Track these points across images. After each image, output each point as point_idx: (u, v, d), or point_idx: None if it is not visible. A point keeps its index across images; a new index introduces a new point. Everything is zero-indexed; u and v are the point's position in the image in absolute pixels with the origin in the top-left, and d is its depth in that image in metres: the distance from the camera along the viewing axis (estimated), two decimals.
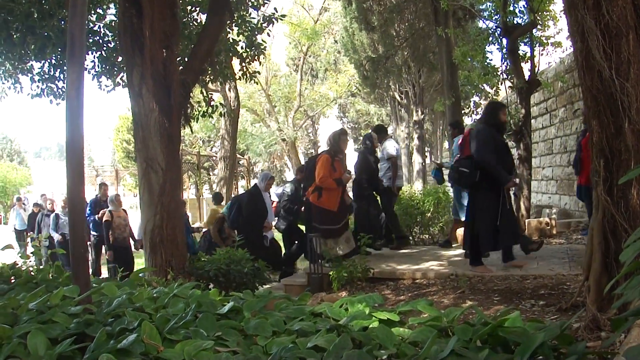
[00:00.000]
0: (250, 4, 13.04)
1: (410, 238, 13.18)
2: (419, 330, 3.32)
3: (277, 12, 13.16)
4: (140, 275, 6.00)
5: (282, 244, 12.33)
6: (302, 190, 10.85)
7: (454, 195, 11.84)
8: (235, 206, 11.37)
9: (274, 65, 40.82)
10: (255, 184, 11.84)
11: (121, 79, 12.33)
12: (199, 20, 12.74)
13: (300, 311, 3.89)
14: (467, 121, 17.00)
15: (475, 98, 15.93)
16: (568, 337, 2.91)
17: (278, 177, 45.66)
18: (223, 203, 15.96)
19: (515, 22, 13.68)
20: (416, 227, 13.33)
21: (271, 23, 13.07)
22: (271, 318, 3.64)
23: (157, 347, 3.02)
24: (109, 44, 12.00)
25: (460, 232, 12.48)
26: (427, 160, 32.49)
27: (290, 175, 47.45)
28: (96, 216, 13.52)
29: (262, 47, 13.40)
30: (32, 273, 5.59)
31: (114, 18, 11.63)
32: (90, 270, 10.98)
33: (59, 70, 11.80)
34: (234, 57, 13.43)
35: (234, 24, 12.38)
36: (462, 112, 15.93)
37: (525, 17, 13.77)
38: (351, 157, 23.53)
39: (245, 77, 13.66)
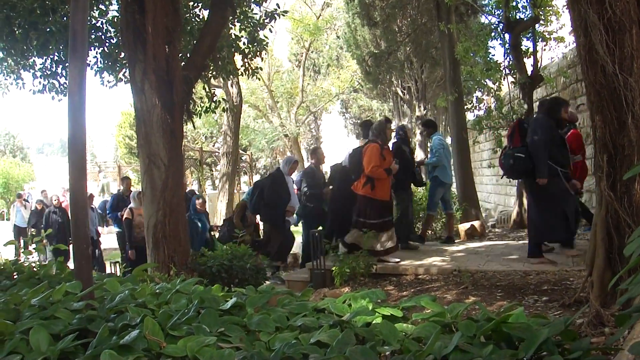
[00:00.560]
0: (253, 0, 13.02)
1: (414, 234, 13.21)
2: (422, 326, 3.31)
3: (279, 7, 13.16)
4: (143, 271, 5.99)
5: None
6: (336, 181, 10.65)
7: (429, 190, 11.98)
8: (257, 191, 11.10)
9: (276, 61, 40.80)
10: (278, 167, 11.58)
11: (123, 74, 12.34)
12: (201, 16, 12.73)
13: (303, 307, 3.88)
14: (470, 116, 16.99)
15: (478, 93, 15.89)
16: (572, 333, 2.90)
17: None
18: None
19: (517, 17, 13.67)
20: (419, 223, 13.33)
21: (273, 19, 13.05)
22: (274, 314, 3.63)
23: (160, 343, 3.01)
24: (112, 40, 12.00)
25: (462, 227, 12.49)
26: (430, 156, 32.45)
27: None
28: (119, 213, 13.15)
29: (265, 42, 13.39)
30: (34, 269, 5.59)
31: (116, 14, 11.62)
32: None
33: (61, 66, 11.81)
34: (236, 53, 13.42)
35: (236, 20, 12.38)
36: (465, 107, 15.90)
37: (527, 12, 13.78)
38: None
39: (247, 72, 13.66)
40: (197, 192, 13.59)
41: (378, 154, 9.14)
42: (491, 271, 8.07)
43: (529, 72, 13.39)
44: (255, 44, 13.12)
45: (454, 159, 14.78)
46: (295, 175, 12.13)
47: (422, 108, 26.72)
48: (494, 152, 15.60)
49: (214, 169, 40.87)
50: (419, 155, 22.70)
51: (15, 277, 5.35)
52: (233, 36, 13.01)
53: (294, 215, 11.81)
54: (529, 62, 13.69)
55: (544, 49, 14.19)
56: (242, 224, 11.65)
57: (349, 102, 48.40)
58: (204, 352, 2.89)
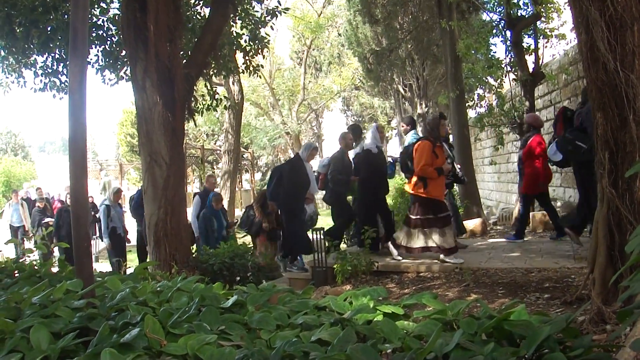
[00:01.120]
0: None
1: None
2: (423, 323, 3.31)
3: (280, 5, 13.20)
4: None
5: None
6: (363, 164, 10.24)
7: None
8: (276, 177, 10.65)
9: (277, 58, 40.86)
10: (298, 153, 11.15)
11: (125, 72, 12.35)
12: (202, 14, 12.74)
13: (304, 305, 3.88)
14: (471, 114, 16.98)
15: (479, 91, 15.85)
16: (573, 331, 2.90)
17: None
18: None
19: (519, 14, 13.65)
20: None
21: (274, 16, 13.06)
22: (275, 312, 3.63)
23: (160, 341, 3.01)
24: (113, 38, 12.01)
25: (467, 223, 12.48)
26: None
27: None
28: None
29: (266, 40, 13.40)
30: (35, 267, 5.59)
31: (117, 12, 11.62)
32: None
33: (62, 64, 11.82)
34: (237, 51, 13.43)
35: (237, 18, 12.39)
36: (466, 105, 15.89)
37: (529, 9, 13.75)
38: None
39: (248, 70, 13.67)
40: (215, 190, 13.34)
41: (429, 151, 8.65)
42: (493, 269, 8.06)
43: (531, 69, 13.37)
44: (256, 41, 13.13)
45: (456, 156, 14.77)
46: (318, 160, 11.85)
47: (423, 105, 26.72)
48: (495, 150, 15.57)
49: (215, 167, 40.82)
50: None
51: (16, 275, 5.35)
52: (234, 34, 13.02)
53: (313, 203, 11.59)
54: (530, 59, 13.67)
55: (546, 46, 14.17)
56: (263, 212, 11.37)
57: (351, 100, 48.46)
58: (204, 350, 2.89)
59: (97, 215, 14.73)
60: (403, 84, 28.08)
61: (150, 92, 8.66)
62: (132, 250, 14.60)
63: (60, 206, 18.02)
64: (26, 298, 3.84)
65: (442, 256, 8.72)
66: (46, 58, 11.85)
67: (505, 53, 14.10)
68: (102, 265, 15.24)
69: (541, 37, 13.76)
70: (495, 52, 14.82)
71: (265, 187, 12.08)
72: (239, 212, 24.18)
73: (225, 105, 14.95)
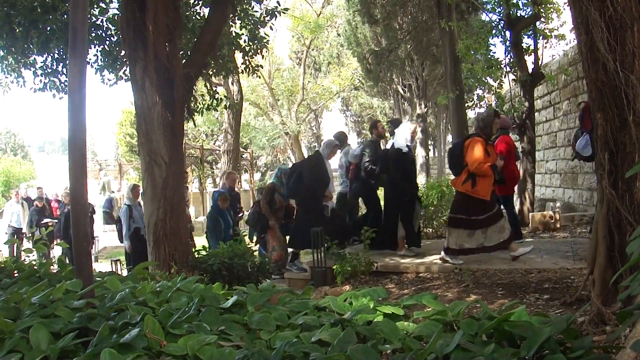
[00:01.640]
0: None
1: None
2: (423, 324, 3.31)
3: (279, 5, 13.16)
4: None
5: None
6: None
7: None
8: (295, 174, 10.41)
9: (277, 58, 40.82)
10: (317, 150, 10.95)
11: (124, 72, 12.33)
12: (201, 14, 12.72)
13: (304, 305, 3.87)
14: (470, 114, 16.99)
15: (479, 91, 15.88)
16: (574, 332, 2.89)
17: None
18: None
19: (518, 14, 13.67)
20: (420, 221, 13.32)
21: (274, 16, 13.04)
22: (275, 312, 3.62)
23: (160, 341, 3.00)
24: (112, 38, 11.99)
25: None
26: (431, 154, 32.47)
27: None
28: None
29: (265, 40, 13.39)
30: (35, 267, 5.58)
31: (116, 12, 11.60)
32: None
33: (61, 64, 11.80)
34: (236, 51, 13.42)
35: (236, 18, 12.37)
36: (466, 105, 15.90)
37: (528, 10, 13.77)
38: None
39: (248, 70, 13.66)
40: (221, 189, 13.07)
41: (483, 149, 8.45)
42: (492, 269, 8.06)
43: (530, 70, 13.39)
44: (255, 41, 13.12)
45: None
46: (352, 150, 11.53)
47: (422, 106, 26.74)
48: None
49: (214, 167, 40.80)
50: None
51: (15, 275, 5.34)
52: (234, 34, 13.01)
53: (332, 201, 11.41)
54: (529, 60, 13.69)
55: (545, 47, 14.19)
56: (270, 208, 11.21)
57: (350, 100, 48.49)
58: (204, 350, 2.89)
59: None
60: (402, 84, 28.10)
61: (149, 92, 8.65)
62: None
63: (57, 206, 17.93)
64: (25, 298, 3.83)
65: (443, 254, 8.78)
66: (46, 58, 11.84)
67: (505, 53, 14.12)
68: (102, 266, 15.21)
69: (541, 37, 13.78)
70: (494, 53, 14.87)
71: (270, 182, 11.85)
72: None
73: (224, 105, 14.93)
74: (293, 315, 3.68)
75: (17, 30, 10.70)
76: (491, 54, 14.70)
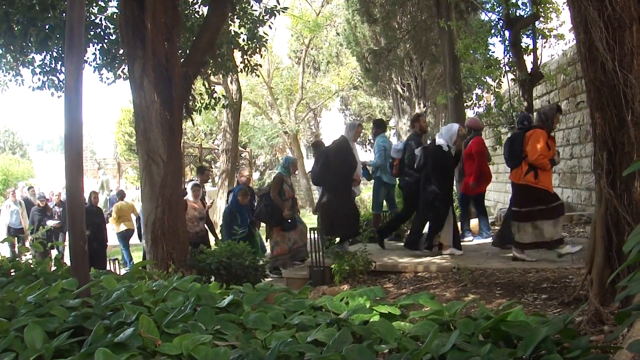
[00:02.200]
0: None
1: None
2: (420, 324, 3.30)
3: (278, 4, 13.15)
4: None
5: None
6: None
7: (373, 190, 11.97)
8: (322, 159, 10.11)
9: (276, 57, 40.73)
10: (342, 134, 10.52)
11: (122, 71, 12.32)
12: (200, 13, 12.72)
13: (301, 305, 3.87)
14: (469, 114, 16.98)
15: (478, 91, 15.84)
16: (571, 332, 2.89)
17: None
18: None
19: (517, 14, 13.65)
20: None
21: (273, 15, 13.03)
22: (271, 312, 3.62)
23: (155, 341, 3.00)
24: (111, 37, 11.97)
25: (475, 222, 12.45)
26: None
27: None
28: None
29: (264, 39, 13.39)
30: (31, 266, 5.57)
31: (115, 10, 11.59)
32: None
33: (60, 62, 11.77)
34: (235, 50, 13.41)
35: (235, 16, 12.36)
36: (465, 104, 15.88)
37: (527, 9, 13.74)
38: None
39: (247, 69, 13.66)
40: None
41: (544, 141, 8.29)
42: (490, 269, 8.05)
43: (529, 70, 13.37)
44: (254, 40, 13.12)
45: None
46: (395, 144, 11.25)
47: (421, 105, 26.69)
48: (493, 150, 15.57)
49: (213, 166, 40.81)
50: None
51: (12, 274, 5.33)
52: (232, 33, 13.01)
53: (360, 186, 11.16)
54: (528, 60, 13.67)
55: (544, 46, 14.16)
56: (280, 198, 10.96)
57: (349, 99, 48.43)
58: (199, 350, 2.88)
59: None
60: (401, 84, 28.03)
61: (148, 90, 8.64)
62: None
63: (43, 205, 17.61)
64: (21, 297, 3.82)
65: (514, 252, 8.61)
66: (44, 56, 11.82)
67: (504, 53, 14.09)
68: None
69: (540, 37, 13.76)
70: (493, 52, 14.83)
71: (278, 173, 11.60)
72: None
73: (223, 104, 14.90)
74: (289, 314, 3.67)
75: (16, 28, 10.68)
76: (490, 53, 14.66)
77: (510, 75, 14.07)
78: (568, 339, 2.81)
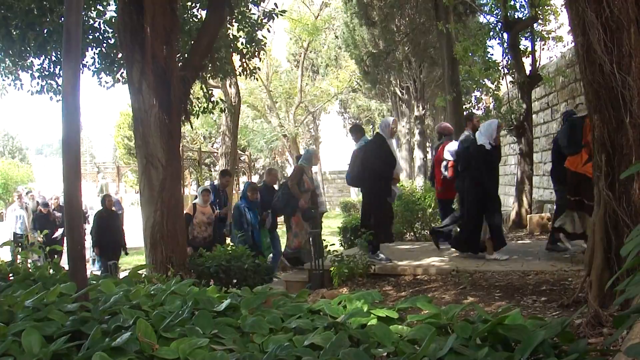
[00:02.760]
0: (251, 0, 13.01)
1: (412, 234, 13.25)
2: (417, 327, 3.29)
3: (277, 7, 13.15)
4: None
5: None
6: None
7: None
8: (358, 159, 9.75)
9: (274, 61, 40.75)
10: (377, 132, 10.05)
11: (121, 75, 12.32)
12: (199, 16, 12.72)
13: (298, 308, 3.86)
14: None
15: (477, 93, 15.88)
16: (569, 335, 2.88)
17: (280, 173, 45.58)
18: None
19: (516, 16, 13.67)
20: (417, 223, 13.32)
21: (271, 19, 13.04)
22: (268, 315, 3.61)
23: (152, 345, 2.99)
24: (109, 40, 11.97)
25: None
26: (429, 156, 32.46)
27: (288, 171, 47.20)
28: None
29: (263, 43, 13.39)
30: (30, 270, 5.56)
31: (114, 14, 11.59)
32: None
33: (59, 66, 11.77)
34: (234, 53, 13.41)
35: (234, 20, 12.36)
36: (464, 107, 15.89)
37: (526, 12, 13.79)
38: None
39: (245, 73, 13.64)
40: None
41: None
42: (490, 271, 8.05)
43: (528, 72, 13.40)
44: (253, 44, 13.11)
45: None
46: (450, 145, 10.86)
47: (420, 108, 26.73)
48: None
49: (212, 170, 40.80)
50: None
51: (10, 278, 5.32)
52: (231, 36, 13.01)
53: (399, 185, 10.77)
54: (527, 62, 13.71)
55: (543, 49, 14.20)
56: (299, 190, 10.80)
57: (348, 102, 48.43)
58: (196, 354, 2.88)
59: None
60: (400, 87, 28.06)
61: (146, 94, 8.64)
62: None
63: (45, 211, 17.16)
64: (19, 301, 3.82)
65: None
66: (43, 60, 11.83)
67: (502, 55, 14.12)
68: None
69: (538, 39, 13.80)
70: (492, 55, 14.79)
71: (299, 164, 11.41)
72: None
73: (221, 107, 14.90)
74: (287, 318, 3.67)
75: (14, 32, 10.68)
76: (489, 56, 14.68)
77: (509, 78, 14.10)
78: (566, 342, 2.80)
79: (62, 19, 10.26)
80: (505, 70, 14.08)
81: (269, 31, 13.99)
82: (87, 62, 12.07)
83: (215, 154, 33.96)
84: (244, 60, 13.30)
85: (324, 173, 46.17)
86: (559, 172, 9.01)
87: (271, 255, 11.48)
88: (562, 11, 13.58)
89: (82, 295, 3.92)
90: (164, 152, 8.68)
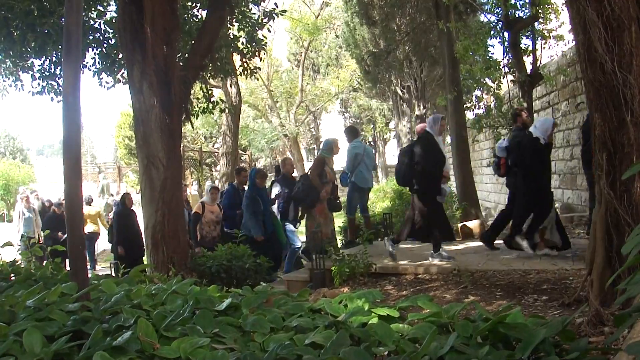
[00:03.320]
0: (251, 0, 13.02)
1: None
2: (418, 326, 3.29)
3: (277, 7, 13.16)
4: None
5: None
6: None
7: (347, 194, 11.85)
8: (406, 159, 9.33)
9: (275, 60, 40.74)
10: (425, 129, 9.68)
11: (122, 75, 12.35)
12: (199, 17, 12.73)
13: (299, 307, 3.86)
14: (469, 115, 16.98)
15: (477, 92, 15.84)
16: (570, 333, 2.88)
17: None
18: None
19: (516, 15, 13.65)
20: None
21: (272, 18, 13.06)
22: (269, 314, 3.62)
23: (153, 344, 2.99)
24: (110, 41, 12.01)
25: (472, 224, 12.44)
26: None
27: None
28: (237, 211, 11.49)
29: (263, 42, 13.41)
30: (32, 270, 5.57)
31: (114, 15, 11.62)
32: None
33: (59, 67, 11.79)
34: (234, 53, 13.43)
35: (234, 20, 12.39)
36: (464, 106, 15.87)
37: (526, 10, 13.75)
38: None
39: (246, 72, 13.66)
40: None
41: None
42: (491, 270, 8.03)
43: (529, 71, 13.37)
44: (253, 43, 13.13)
45: (454, 157, 14.80)
46: (501, 142, 10.54)
47: (421, 107, 26.72)
48: (493, 151, 15.58)
49: (213, 169, 40.84)
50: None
51: (12, 278, 5.33)
52: (231, 36, 13.03)
53: (449, 184, 10.45)
54: (528, 61, 13.67)
55: (544, 47, 14.17)
56: (320, 180, 10.60)
57: (349, 102, 48.45)
58: (197, 353, 2.88)
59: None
60: (401, 86, 28.05)
61: (147, 94, 8.65)
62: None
63: (59, 212, 17.01)
64: (20, 301, 3.82)
65: None
66: (43, 61, 11.86)
67: (503, 54, 14.09)
68: (101, 269, 15.18)
69: (539, 38, 13.77)
70: (493, 54, 14.76)
71: (319, 155, 11.22)
72: None
73: (221, 107, 14.92)
74: (288, 317, 3.67)
75: (15, 33, 10.71)
76: (489, 55, 14.65)
77: (510, 77, 14.08)
78: (567, 341, 2.80)
79: (62, 19, 10.29)
80: (506, 69, 14.06)
81: (269, 31, 14.02)
82: (87, 62, 12.12)
83: (216, 154, 34.01)
84: (244, 60, 13.32)
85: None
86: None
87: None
88: (563, 10, 13.57)
89: (84, 295, 3.92)
90: (165, 152, 8.69)
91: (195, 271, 8.60)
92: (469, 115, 16.67)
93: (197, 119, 15.35)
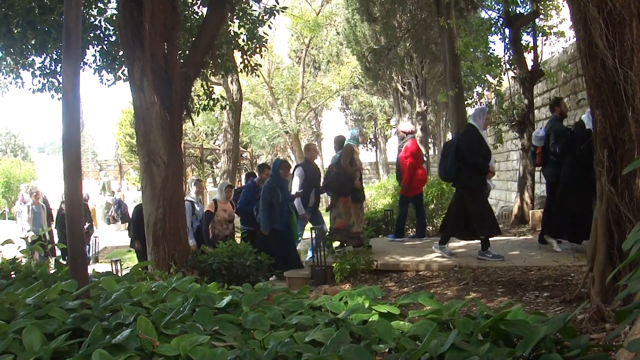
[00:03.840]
0: None
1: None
2: (419, 323, 3.29)
3: (278, 4, 13.13)
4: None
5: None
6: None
7: None
8: (451, 152, 9.02)
9: (276, 57, 40.73)
10: (470, 123, 9.33)
11: (122, 72, 12.32)
12: (200, 13, 12.71)
13: (299, 305, 3.86)
14: (470, 112, 16.97)
15: (478, 89, 15.84)
16: (571, 330, 2.87)
17: None
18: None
19: (517, 11, 13.63)
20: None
21: (272, 15, 13.03)
22: (269, 312, 3.61)
23: (153, 342, 2.99)
24: (110, 38, 11.98)
25: None
26: (431, 152, 32.45)
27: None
28: (254, 207, 11.25)
29: (264, 39, 13.38)
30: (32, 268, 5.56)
31: (114, 12, 11.59)
32: None
33: (60, 64, 11.77)
34: (235, 50, 13.40)
35: (235, 17, 12.35)
36: (465, 103, 15.86)
37: (527, 7, 13.73)
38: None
39: (247, 69, 13.64)
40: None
41: None
42: (492, 267, 8.03)
43: (530, 67, 13.36)
44: (254, 40, 13.11)
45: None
46: (537, 132, 10.07)
47: (422, 104, 26.66)
48: (494, 148, 15.54)
49: (214, 167, 40.82)
50: None
51: (12, 276, 5.32)
52: (232, 33, 13.00)
53: (492, 180, 9.93)
54: (529, 57, 13.66)
55: (544, 44, 14.15)
56: (352, 168, 10.29)
57: (350, 99, 48.38)
58: (196, 351, 2.87)
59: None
60: (402, 82, 28.01)
61: (147, 92, 8.64)
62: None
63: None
64: (20, 299, 3.81)
65: None
66: (44, 59, 11.84)
67: (504, 51, 14.08)
68: (102, 266, 15.16)
69: (540, 34, 13.75)
70: (494, 50, 14.77)
71: (347, 143, 10.71)
72: None
73: (222, 104, 14.90)
74: (288, 315, 3.66)
75: (15, 31, 10.69)
76: (490, 51, 14.66)
77: (511, 73, 14.06)
78: (568, 338, 2.79)
79: (63, 17, 10.28)
80: (507, 66, 14.04)
81: (270, 28, 14.00)
82: (88, 59, 12.10)
83: (217, 151, 34.01)
84: (245, 56, 13.30)
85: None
86: None
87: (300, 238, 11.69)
88: (563, 6, 13.55)
89: (83, 293, 3.92)
90: (166, 150, 8.69)
91: (196, 268, 8.59)
92: (470, 111, 16.66)
93: (198, 116, 15.35)
